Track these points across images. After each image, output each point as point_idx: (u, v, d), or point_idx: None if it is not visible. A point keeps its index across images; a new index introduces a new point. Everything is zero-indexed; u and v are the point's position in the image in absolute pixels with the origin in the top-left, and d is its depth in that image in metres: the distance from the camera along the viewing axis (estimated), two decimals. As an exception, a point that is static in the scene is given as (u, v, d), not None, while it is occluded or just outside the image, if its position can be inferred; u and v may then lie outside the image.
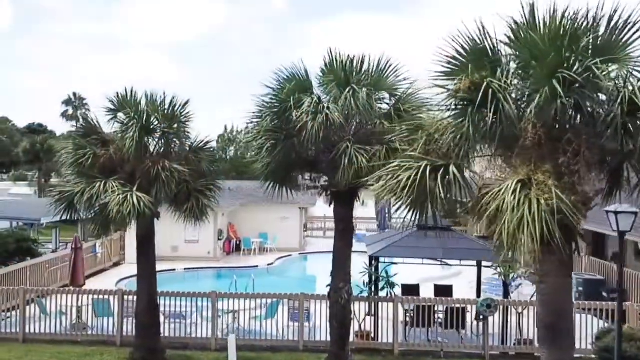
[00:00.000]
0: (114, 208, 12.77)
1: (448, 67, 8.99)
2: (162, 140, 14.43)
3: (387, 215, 36.06)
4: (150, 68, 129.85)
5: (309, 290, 25.02)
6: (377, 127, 13.22)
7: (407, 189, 8.86)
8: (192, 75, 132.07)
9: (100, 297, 16.90)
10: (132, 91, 14.41)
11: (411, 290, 17.86)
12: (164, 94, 14.36)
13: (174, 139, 14.48)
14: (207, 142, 14.73)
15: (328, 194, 14.40)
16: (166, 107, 14.30)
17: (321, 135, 12.41)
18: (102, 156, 14.00)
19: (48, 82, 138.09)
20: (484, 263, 17.47)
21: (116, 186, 13.30)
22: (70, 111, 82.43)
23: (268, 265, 28.15)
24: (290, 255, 31.07)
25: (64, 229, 30.27)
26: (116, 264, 28.59)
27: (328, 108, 12.42)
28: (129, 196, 12.89)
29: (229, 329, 16.78)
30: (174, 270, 26.63)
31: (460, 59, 8.88)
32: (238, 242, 32.94)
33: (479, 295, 17.09)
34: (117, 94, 14.39)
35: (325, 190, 14.44)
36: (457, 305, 16.19)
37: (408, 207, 9.34)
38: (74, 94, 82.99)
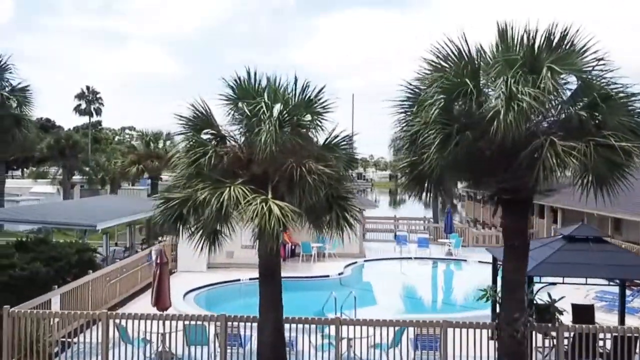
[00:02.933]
0: (254, 221, 10.06)
1: None
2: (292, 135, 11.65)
3: (452, 217, 33.53)
4: (152, 62, 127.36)
5: (400, 305, 22.52)
6: (574, 117, 10.57)
7: None
8: (196, 69, 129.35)
9: (194, 322, 14.19)
10: (255, 75, 11.70)
11: (582, 312, 15.05)
12: (295, 77, 11.63)
13: (308, 133, 11.73)
14: (347, 137, 11.92)
15: (495, 201, 11.75)
16: (296, 93, 11.59)
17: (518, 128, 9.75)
18: (225, 155, 11.29)
19: (50, 76, 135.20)
20: None
21: (248, 192, 10.60)
22: (84, 105, 79.70)
23: (339, 274, 25.39)
24: (355, 263, 28.32)
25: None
26: (169, 273, 25.79)
27: (529, 94, 9.71)
28: (272, 206, 10.18)
29: (349, 360, 14.10)
30: (239, 280, 23.89)
31: None
32: (293, 247, 30.20)
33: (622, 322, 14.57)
34: (238, 78, 11.67)
35: (492, 197, 11.79)
36: (629, 334, 13.50)
37: None
38: (87, 88, 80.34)
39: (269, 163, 11.13)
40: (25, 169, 74.89)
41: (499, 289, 13.26)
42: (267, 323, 12.02)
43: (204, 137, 12.02)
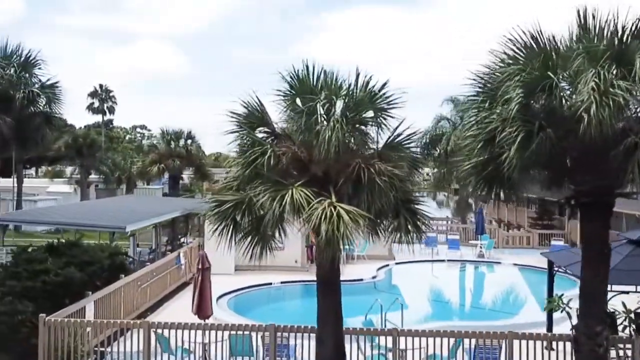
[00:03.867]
0: (322, 227, 9.22)
1: None
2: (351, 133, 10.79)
3: (484, 217, 32.61)
4: (159, 60, 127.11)
5: (441, 311, 21.56)
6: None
7: None
8: (204, 67, 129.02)
9: (240, 332, 13.41)
10: (313, 68, 10.86)
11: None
12: (357, 71, 10.75)
13: (369, 131, 10.88)
14: (412, 135, 11.02)
15: (572, 204, 10.89)
16: (358, 88, 10.73)
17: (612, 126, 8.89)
18: (283, 155, 10.45)
19: (59, 75, 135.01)
20: None
21: (311, 195, 9.78)
22: (97, 104, 79.15)
23: (373, 278, 24.52)
24: (387, 266, 27.44)
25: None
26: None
27: (625, 88, 8.84)
28: (340, 210, 9.34)
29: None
30: (270, 284, 23.08)
31: None
32: (321, 250, 29.32)
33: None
34: (294, 71, 10.83)
35: (568, 200, 10.93)
36: None
37: None
38: (100, 86, 79.76)
39: (331, 163, 10.29)
40: (38, 168, 74.31)
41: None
42: (327, 335, 11.18)
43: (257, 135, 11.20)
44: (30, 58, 17.21)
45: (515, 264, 27.72)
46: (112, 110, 79.61)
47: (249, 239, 11.47)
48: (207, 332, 13.44)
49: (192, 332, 13.45)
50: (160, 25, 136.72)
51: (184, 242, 30.21)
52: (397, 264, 28.32)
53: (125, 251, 18.74)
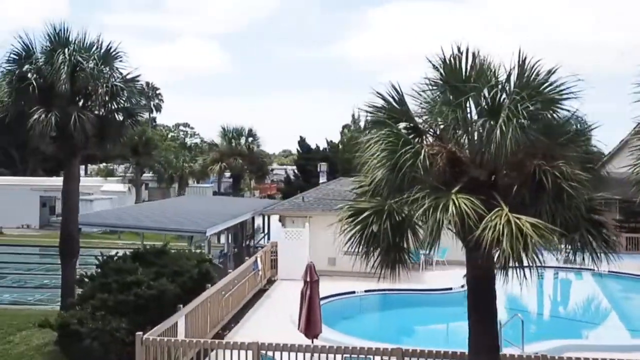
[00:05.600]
0: (503, 243, 7.55)
1: None
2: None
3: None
4: (201, 58, 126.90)
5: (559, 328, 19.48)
6: None
7: None
8: (245, 64, 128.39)
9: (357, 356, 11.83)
10: (466, 53, 9.19)
11: None
12: (520, 53, 9.01)
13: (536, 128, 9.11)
14: (587, 128, 9.18)
15: None
16: (523, 75, 8.99)
17: None
18: (438, 155, 8.81)
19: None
20: None
21: (477, 204, 8.12)
22: (143, 102, 78.82)
23: (462, 287, 22.63)
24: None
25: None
26: (270, 281, 23.63)
27: None
28: (522, 224, 7.65)
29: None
30: (354, 292, 21.48)
31: None
32: (397, 254, 27.60)
33: None
34: (448, 56, 9.17)
35: None
36: None
37: None
38: (147, 84, 79.39)
39: (499, 165, 8.61)
40: (86, 167, 74.19)
41: None
42: (482, 352, 9.50)
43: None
44: (111, 50, 15.87)
45: (611, 272, 25.56)
46: (158, 108, 79.26)
47: (383, 252, 9.85)
48: (321, 355, 11.90)
49: (307, 355, 11.93)
50: (202, 24, 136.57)
51: (250, 245, 28.95)
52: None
53: (210, 258, 17.34)
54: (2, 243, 35.86)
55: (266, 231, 32.65)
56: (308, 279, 12.95)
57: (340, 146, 43.18)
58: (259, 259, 21.66)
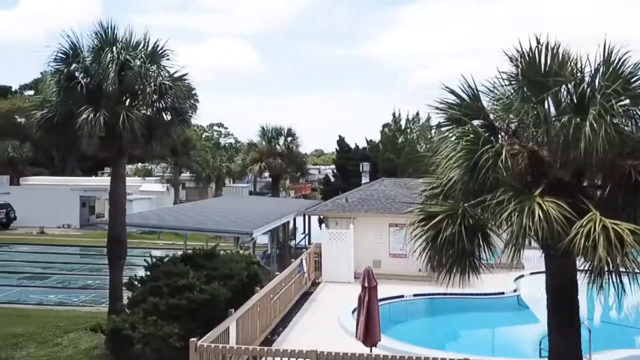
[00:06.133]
0: (599, 251, 6.90)
1: None
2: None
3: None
4: (231, 58, 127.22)
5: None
6: None
7: None
8: (274, 64, 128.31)
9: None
10: (546, 45, 8.53)
11: None
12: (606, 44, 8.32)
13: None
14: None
15: None
16: (608, 70, 8.31)
17: None
18: (519, 155, 8.18)
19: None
20: None
21: (564, 208, 7.48)
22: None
23: (514, 291, 21.87)
24: (522, 276, 24.65)
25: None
26: (314, 283, 23.11)
27: None
28: (625, 230, 6.99)
29: None
30: (402, 296, 20.84)
31: None
32: (441, 256, 26.86)
33: None
34: (522, 49, 8.53)
35: None
36: None
37: None
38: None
39: (585, 165, 7.95)
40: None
41: None
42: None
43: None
44: (158, 48, 15.54)
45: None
46: (194, 109, 79.27)
47: (455, 257, 9.29)
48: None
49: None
50: (233, 24, 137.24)
51: (291, 246, 28.55)
52: (531, 274, 25.48)
53: (258, 260, 16.91)
54: (44, 243, 36.14)
55: (306, 232, 32.19)
56: (366, 284, 12.38)
57: (381, 146, 42.47)
58: (304, 261, 21.18)
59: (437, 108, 9.14)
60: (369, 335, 12.12)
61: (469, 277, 9.61)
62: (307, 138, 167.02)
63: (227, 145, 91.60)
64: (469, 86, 9.03)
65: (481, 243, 9.51)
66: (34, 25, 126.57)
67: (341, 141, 45.69)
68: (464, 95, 9.03)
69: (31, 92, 76.36)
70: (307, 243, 32.38)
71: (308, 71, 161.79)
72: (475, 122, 9.01)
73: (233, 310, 13.43)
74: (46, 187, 46.96)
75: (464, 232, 8.68)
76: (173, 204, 42.56)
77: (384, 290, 21.10)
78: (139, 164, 54.83)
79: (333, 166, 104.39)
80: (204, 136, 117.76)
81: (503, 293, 21.47)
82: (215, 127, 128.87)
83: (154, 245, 33.55)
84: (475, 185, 8.26)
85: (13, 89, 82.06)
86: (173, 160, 43.26)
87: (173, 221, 20.99)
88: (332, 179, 50.85)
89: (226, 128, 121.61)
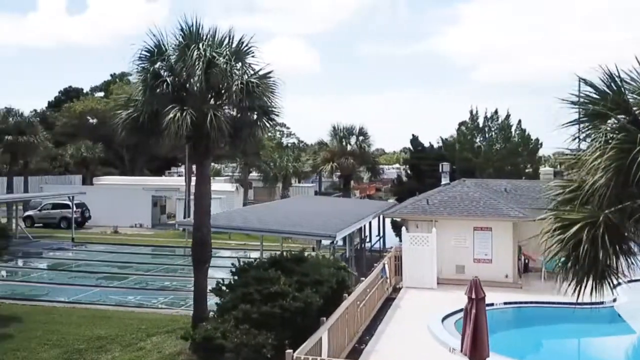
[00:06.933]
0: None
1: None
2: None
3: None
4: (291, 57, 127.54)
5: None
6: None
7: None
8: (334, 63, 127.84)
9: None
10: None
11: None
12: None
13: None
14: None
15: None
16: None
17: None
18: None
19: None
20: None
21: None
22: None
23: (613, 301, 20.31)
24: (619, 284, 22.91)
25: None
26: (395, 289, 22.21)
27: None
28: None
29: None
30: (492, 305, 19.63)
31: None
32: (526, 262, 25.55)
33: None
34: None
35: None
36: None
37: None
38: (247, 84, 79.88)
39: None
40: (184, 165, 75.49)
41: None
42: None
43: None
44: (243, 45, 14.99)
45: None
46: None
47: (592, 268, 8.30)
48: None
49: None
50: (293, 24, 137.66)
51: (366, 249, 27.73)
52: (630, 281, 23.68)
53: (344, 265, 16.16)
54: (119, 242, 36.55)
55: (381, 234, 31.31)
56: (473, 296, 11.44)
57: (457, 144, 41.03)
58: (386, 266, 20.35)
59: (572, 103, 8.13)
60: (476, 351, 11.17)
61: (602, 288, 8.56)
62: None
63: (289, 145, 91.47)
64: (610, 77, 7.98)
65: (618, 253, 8.47)
66: (102, 29, 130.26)
67: (414, 140, 44.32)
68: (604, 89, 7.98)
69: (101, 94, 78.26)
70: (381, 246, 31.50)
71: (366, 70, 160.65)
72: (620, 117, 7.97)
73: (325, 318, 12.75)
74: (119, 187, 47.71)
75: (607, 241, 7.67)
76: (242, 204, 42.45)
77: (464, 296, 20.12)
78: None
79: (396, 165, 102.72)
80: (266, 136, 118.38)
81: (602, 303, 19.89)
82: (277, 127, 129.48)
83: (226, 246, 33.37)
84: (622, 189, 7.24)
85: (84, 91, 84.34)
86: (243, 160, 43.09)
87: (256, 222, 20.52)
88: (404, 179, 49.60)
89: (288, 128, 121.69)
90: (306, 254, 15.27)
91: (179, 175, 67.79)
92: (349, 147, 38.05)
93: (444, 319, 17.54)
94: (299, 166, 47.48)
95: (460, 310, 18.78)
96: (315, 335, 11.92)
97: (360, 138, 37.90)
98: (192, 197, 40.13)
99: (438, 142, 48.30)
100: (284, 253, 14.27)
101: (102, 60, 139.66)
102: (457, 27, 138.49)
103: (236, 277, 13.45)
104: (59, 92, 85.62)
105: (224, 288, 13.34)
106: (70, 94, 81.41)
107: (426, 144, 50.68)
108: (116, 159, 68.78)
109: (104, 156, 61.04)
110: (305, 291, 12.31)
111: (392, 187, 62.62)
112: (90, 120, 65.42)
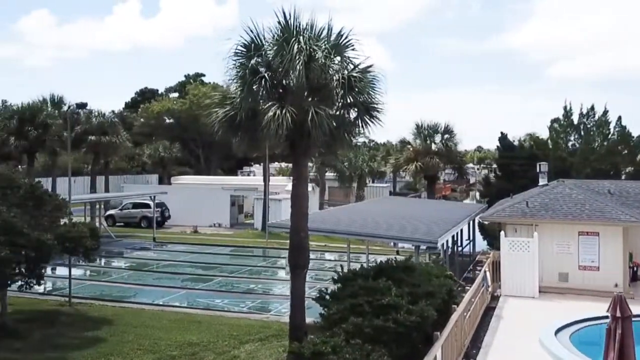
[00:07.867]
0: None
1: None
2: None
3: None
4: (359, 56, 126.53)
5: None
6: None
7: None
8: (404, 60, 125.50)
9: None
10: None
11: None
12: None
13: None
14: None
15: None
16: None
17: None
18: None
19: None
20: None
21: None
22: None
23: None
24: None
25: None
26: (493, 297, 20.80)
27: None
28: None
29: None
30: (606, 317, 17.95)
31: None
32: (635, 269, 23.61)
33: None
34: None
35: None
36: None
37: None
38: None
39: None
40: (257, 164, 75.58)
41: None
42: None
43: None
44: (342, 38, 14.08)
45: None
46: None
47: None
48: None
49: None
50: (363, 22, 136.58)
51: (456, 253, 26.36)
52: None
53: (450, 274, 15.00)
54: (199, 242, 36.47)
55: (471, 238, 29.82)
56: (618, 314, 10.10)
57: (551, 143, 38.76)
58: (487, 274, 19.03)
59: None
60: (623, 377, 9.84)
61: None
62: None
63: (362, 144, 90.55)
64: None
65: None
66: (174, 31, 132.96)
67: (503, 139, 42.36)
68: None
69: (176, 95, 79.49)
70: (471, 250, 30.02)
71: (438, 67, 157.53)
72: None
73: (438, 333, 11.68)
74: (198, 186, 47.93)
75: None
76: (318, 205, 41.71)
77: (575, 308, 18.61)
78: (283, 163, 54.80)
79: (469, 165, 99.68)
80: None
81: None
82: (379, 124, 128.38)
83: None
84: None
85: (159, 92, 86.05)
86: (319, 159, 42.34)
87: (347, 225, 19.60)
88: (492, 179, 47.61)
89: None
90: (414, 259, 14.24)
91: (250, 175, 67.86)
92: (433, 146, 36.63)
93: (557, 331, 16.09)
94: (374, 166, 46.29)
95: (574, 322, 17.42)
96: (431, 353, 10.87)
97: (446, 136, 36.28)
98: (269, 196, 39.96)
99: (524, 140, 45.99)
100: (389, 260, 13.24)
101: (176, 62, 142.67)
102: (530, 22, 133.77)
103: (339, 285, 12.54)
104: (135, 93, 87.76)
105: (327, 297, 12.44)
106: (146, 95, 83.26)
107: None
108: (192, 158, 69.62)
109: (181, 156, 61.80)
110: (420, 304, 11.25)
111: (480, 187, 60.35)
112: (167, 121, 66.39)
